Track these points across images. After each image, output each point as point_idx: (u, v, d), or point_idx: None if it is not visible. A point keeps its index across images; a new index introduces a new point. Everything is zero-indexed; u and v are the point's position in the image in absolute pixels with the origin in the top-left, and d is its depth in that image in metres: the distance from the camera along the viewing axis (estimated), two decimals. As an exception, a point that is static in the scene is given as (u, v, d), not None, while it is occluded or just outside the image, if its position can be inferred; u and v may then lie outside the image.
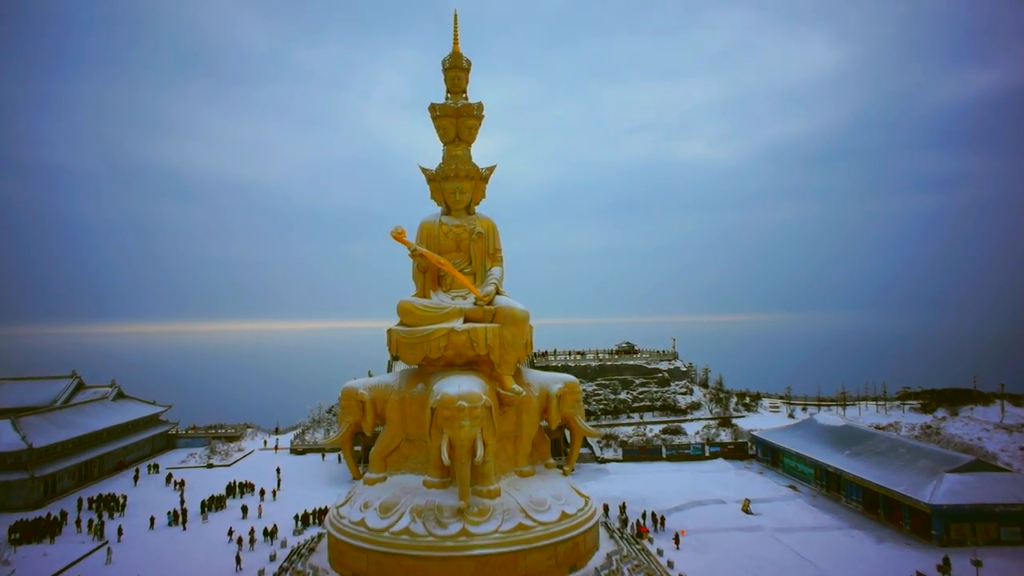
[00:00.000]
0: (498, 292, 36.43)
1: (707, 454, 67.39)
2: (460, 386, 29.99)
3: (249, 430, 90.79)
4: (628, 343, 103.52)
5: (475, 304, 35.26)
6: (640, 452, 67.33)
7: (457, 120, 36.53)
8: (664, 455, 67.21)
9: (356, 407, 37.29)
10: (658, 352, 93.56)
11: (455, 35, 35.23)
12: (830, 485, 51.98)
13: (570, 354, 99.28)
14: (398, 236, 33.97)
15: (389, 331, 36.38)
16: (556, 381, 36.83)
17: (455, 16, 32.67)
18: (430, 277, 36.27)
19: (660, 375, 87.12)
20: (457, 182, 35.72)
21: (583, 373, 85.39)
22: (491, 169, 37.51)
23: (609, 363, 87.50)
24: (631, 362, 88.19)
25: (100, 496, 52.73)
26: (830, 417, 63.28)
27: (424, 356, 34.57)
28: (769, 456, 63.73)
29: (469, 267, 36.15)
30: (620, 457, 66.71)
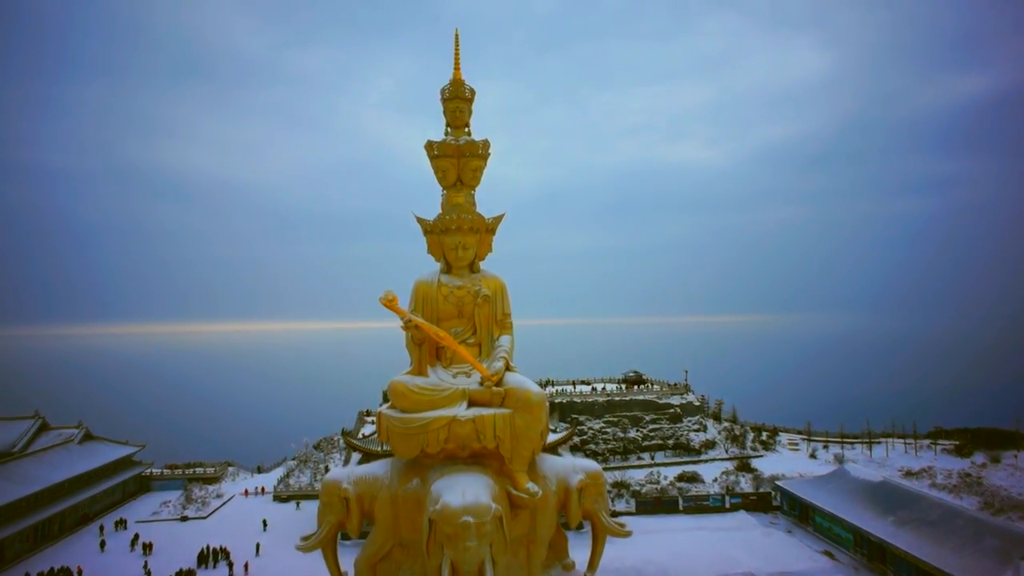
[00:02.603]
0: (508, 367, 29.92)
1: (727, 506, 61.97)
2: (465, 493, 23.98)
3: (231, 468, 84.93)
4: (635, 372, 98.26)
5: (481, 384, 28.60)
6: (655, 504, 61.83)
7: (459, 161, 30.33)
8: (681, 507, 61.73)
9: (338, 505, 30.48)
10: (669, 385, 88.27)
11: (456, 58, 29.17)
12: (872, 555, 46.62)
13: (574, 384, 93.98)
14: (389, 303, 27.50)
15: (379, 415, 29.77)
16: (576, 471, 30.63)
17: (456, 36, 27.05)
18: (427, 349, 29.82)
19: (672, 410, 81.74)
20: (459, 236, 29.50)
21: (590, 410, 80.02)
22: (499, 219, 31.32)
23: (617, 398, 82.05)
24: (640, 397, 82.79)
25: (52, 571, 46.72)
26: (865, 469, 57.96)
27: (421, 449, 27.83)
28: (797, 510, 58.37)
29: (473, 337, 30.01)
30: (633, 509, 61.17)
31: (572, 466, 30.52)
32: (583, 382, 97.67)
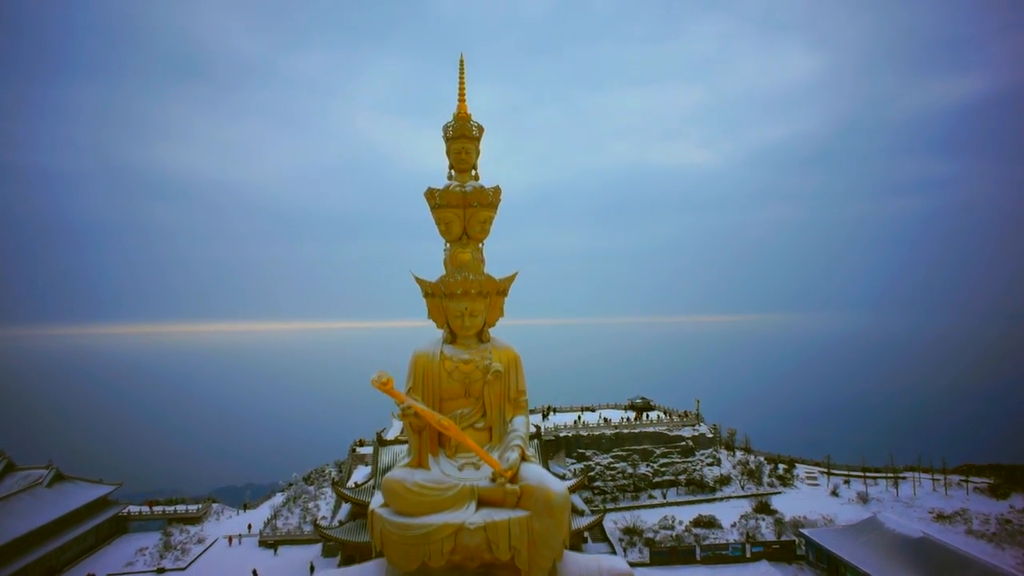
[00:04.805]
0: (523, 457, 24.71)
1: (748, 555, 57.69)
2: (475, 619, 19.31)
3: (215, 506, 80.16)
4: (643, 398, 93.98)
5: (493, 480, 23.29)
6: (670, 553, 57.46)
7: (465, 211, 25.05)
8: (698, 557, 57.39)
9: (322, 619, 25.12)
10: (680, 415, 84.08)
11: (461, 89, 24.12)
12: (917, 624, 42.47)
13: (579, 415, 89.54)
14: (383, 386, 22.19)
15: (371, 514, 24.44)
16: (604, 574, 25.71)
17: (460, 63, 22.46)
18: (428, 437, 24.56)
19: (684, 443, 77.49)
20: (466, 301, 24.21)
21: (597, 443, 75.67)
22: (511, 279, 26.02)
23: (626, 430, 77.77)
24: (650, 429, 78.53)
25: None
26: (900, 520, 53.78)
27: (422, 562, 22.43)
28: (825, 563, 54.10)
29: (482, 420, 24.86)
30: (647, 561, 56.80)
31: (598, 569, 25.77)
32: (587, 409, 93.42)
